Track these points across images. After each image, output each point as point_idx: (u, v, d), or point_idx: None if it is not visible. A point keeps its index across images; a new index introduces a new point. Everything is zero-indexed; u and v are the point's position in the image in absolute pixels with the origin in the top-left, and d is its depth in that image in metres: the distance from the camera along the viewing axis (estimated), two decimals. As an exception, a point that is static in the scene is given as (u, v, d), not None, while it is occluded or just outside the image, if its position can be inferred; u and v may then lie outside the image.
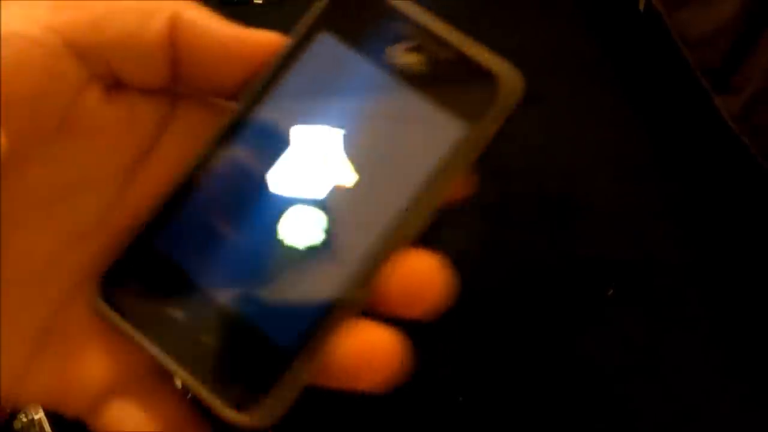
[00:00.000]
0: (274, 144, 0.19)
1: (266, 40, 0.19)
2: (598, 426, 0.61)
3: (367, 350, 0.17)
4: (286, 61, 0.19)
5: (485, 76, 0.18)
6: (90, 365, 0.19)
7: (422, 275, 0.17)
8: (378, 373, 0.17)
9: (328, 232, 0.18)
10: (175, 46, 0.18)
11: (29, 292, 0.18)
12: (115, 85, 0.19)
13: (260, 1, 1.51)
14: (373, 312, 0.18)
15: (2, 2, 0.17)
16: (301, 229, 0.18)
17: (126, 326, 0.19)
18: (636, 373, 0.64)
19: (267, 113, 0.19)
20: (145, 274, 0.19)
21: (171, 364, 0.18)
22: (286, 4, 1.43)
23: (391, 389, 0.18)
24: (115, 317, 0.19)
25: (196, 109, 0.20)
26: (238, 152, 0.19)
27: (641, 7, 0.86)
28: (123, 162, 0.19)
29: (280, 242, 0.18)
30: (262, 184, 0.18)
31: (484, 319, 0.69)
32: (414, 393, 0.69)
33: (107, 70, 0.18)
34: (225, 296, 0.18)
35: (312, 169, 0.18)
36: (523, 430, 0.62)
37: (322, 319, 0.17)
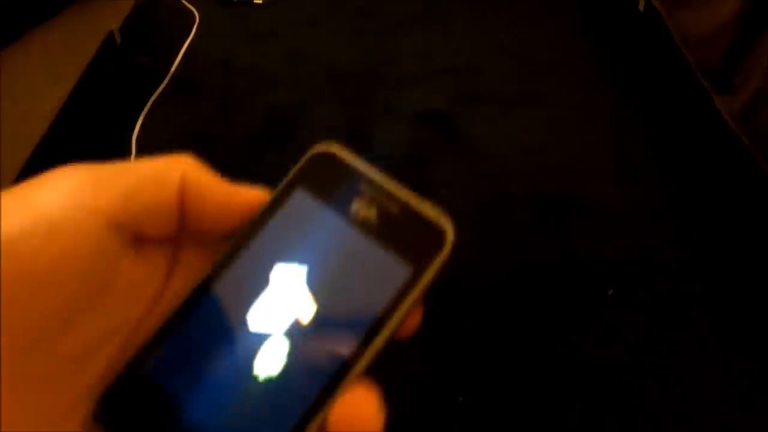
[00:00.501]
0: (248, 285, 0.22)
1: (255, 194, 0.22)
2: (598, 424, 0.61)
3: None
4: (267, 212, 0.23)
5: (431, 227, 0.21)
6: None
7: (362, 418, 0.20)
8: None
9: (290, 365, 0.21)
10: (183, 202, 0.22)
11: None
12: (137, 240, 0.22)
13: (260, 1, 1.51)
14: None
15: (51, 187, 0.20)
16: (266, 363, 0.21)
17: None
18: (635, 372, 0.64)
19: (246, 258, 0.22)
20: (136, 397, 0.21)
21: None
22: (285, 3, 1.43)
23: None
24: None
25: (198, 254, 0.23)
26: (218, 291, 0.22)
27: (641, 7, 0.86)
28: (136, 316, 0.22)
29: (247, 375, 0.21)
30: (236, 321, 0.21)
31: (484, 319, 0.69)
32: (414, 393, 0.69)
33: (136, 235, 0.21)
34: (202, 423, 0.20)
35: (280, 307, 0.21)
36: (522, 429, 0.62)
37: None
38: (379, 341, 0.20)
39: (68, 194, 0.20)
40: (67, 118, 0.92)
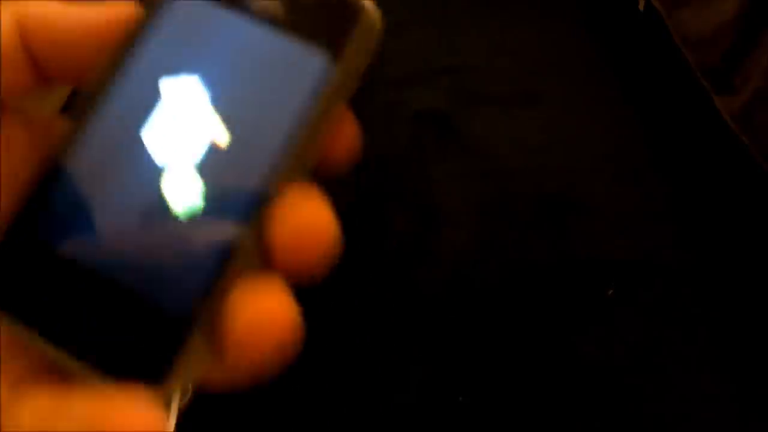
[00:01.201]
0: (141, 106, 0.18)
1: (118, 12, 0.19)
2: (598, 426, 0.61)
3: (259, 319, 0.16)
4: (145, 19, 0.19)
5: (344, 6, 0.18)
6: None
7: (307, 220, 0.17)
8: (270, 345, 0.16)
9: (205, 190, 0.18)
10: (28, 43, 0.18)
11: None
12: None
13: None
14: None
15: None
16: (172, 189, 0.18)
17: (9, 319, 0.18)
18: (636, 373, 0.64)
19: (129, 75, 0.19)
20: (20, 262, 0.18)
21: (60, 354, 0.17)
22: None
23: (281, 370, 0.17)
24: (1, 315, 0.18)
25: (14, 123, 0.20)
26: (105, 118, 0.19)
27: (641, 6, 0.86)
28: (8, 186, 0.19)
29: (150, 205, 0.18)
30: (127, 148, 0.18)
31: (485, 319, 0.69)
32: (414, 393, 0.69)
33: None
34: (104, 271, 0.18)
35: (182, 128, 0.18)
36: (523, 430, 0.62)
37: (211, 282, 0.17)
38: (302, 143, 0.17)
39: None
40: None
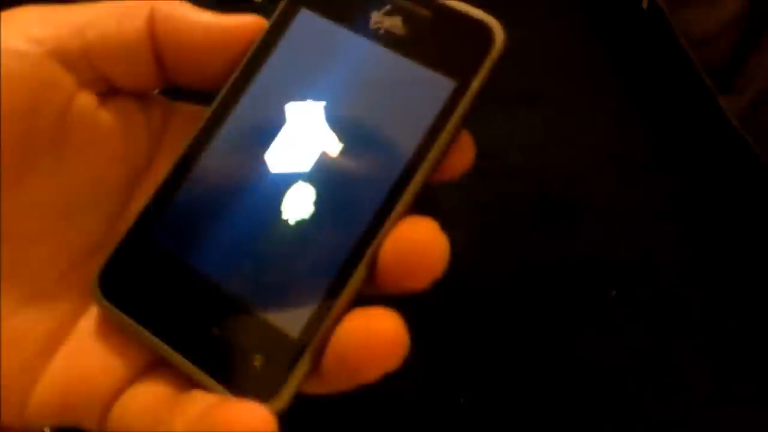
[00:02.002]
0: (262, 125, 0.19)
1: (246, 23, 0.19)
2: (600, 427, 0.61)
3: (369, 338, 0.17)
4: (268, 41, 0.19)
5: (472, 26, 0.18)
6: (100, 369, 0.19)
7: (420, 243, 0.17)
8: (380, 363, 0.17)
9: (322, 207, 0.18)
10: (156, 42, 0.19)
11: (38, 311, 0.18)
12: (109, 92, 0.19)
13: (260, 0, 1.51)
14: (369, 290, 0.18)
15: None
16: (294, 207, 0.18)
17: (127, 321, 0.18)
18: (638, 374, 0.64)
19: (252, 96, 0.19)
20: (143, 266, 0.19)
21: (176, 358, 0.18)
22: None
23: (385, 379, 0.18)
24: (115, 312, 0.18)
25: (191, 114, 0.21)
26: (227, 136, 0.19)
27: (644, 5, 0.86)
28: (124, 173, 0.20)
29: (272, 223, 0.18)
30: (251, 165, 0.18)
31: (485, 319, 0.69)
32: (415, 394, 0.69)
33: (96, 75, 0.19)
34: (225, 284, 0.18)
35: (302, 146, 0.18)
36: (524, 430, 0.61)
37: (328, 301, 0.17)
38: (424, 169, 0.18)
39: (11, 26, 0.17)
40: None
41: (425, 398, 0.63)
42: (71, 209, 0.19)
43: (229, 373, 0.17)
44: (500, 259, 0.75)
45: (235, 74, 0.19)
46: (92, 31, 0.18)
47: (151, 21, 0.19)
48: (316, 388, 0.18)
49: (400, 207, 0.18)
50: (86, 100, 0.19)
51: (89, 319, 0.19)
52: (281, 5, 0.20)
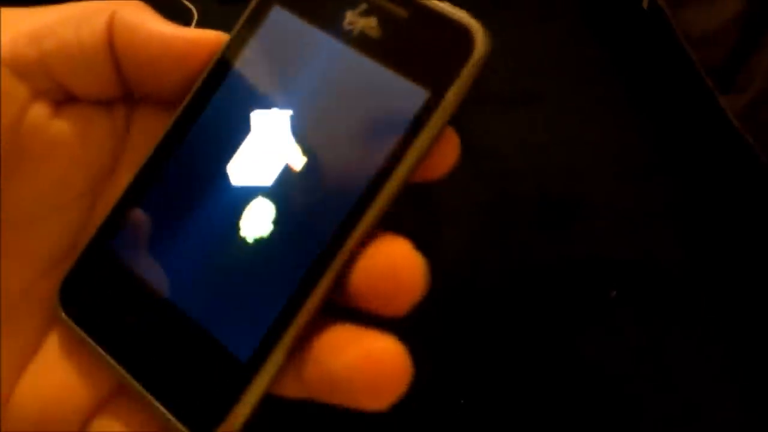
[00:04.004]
0: (225, 134, 0.17)
1: (206, 38, 0.18)
2: (601, 427, 0.61)
3: (370, 364, 0.16)
4: (238, 40, 0.18)
5: (451, 30, 0.16)
6: (71, 391, 0.18)
7: (394, 268, 0.16)
8: (383, 390, 0.16)
9: (281, 225, 0.17)
10: (114, 50, 0.18)
11: (6, 327, 0.18)
12: (66, 100, 0.18)
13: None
14: (350, 312, 0.17)
15: None
16: (252, 224, 0.17)
17: (86, 338, 0.18)
18: (638, 374, 0.64)
19: (218, 101, 0.18)
20: (101, 282, 0.18)
21: (128, 380, 0.17)
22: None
23: (391, 406, 0.17)
24: (75, 329, 0.18)
25: (154, 119, 0.20)
26: (189, 145, 0.18)
27: (645, 5, 0.86)
28: (86, 180, 0.19)
29: (229, 240, 0.17)
30: (212, 177, 0.17)
31: (485, 319, 0.69)
32: (415, 395, 0.69)
33: (53, 84, 0.18)
34: (178, 302, 0.17)
35: (265, 158, 0.17)
36: (524, 430, 0.61)
37: (281, 325, 0.16)
38: (390, 187, 0.16)
39: None
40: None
41: (425, 399, 0.63)
42: (32, 219, 0.18)
43: (177, 396, 0.16)
44: (500, 259, 0.75)
45: (203, 76, 0.18)
46: (50, 40, 0.17)
47: (111, 28, 0.18)
48: (298, 392, 0.18)
49: (362, 226, 0.16)
50: (41, 110, 0.18)
51: (57, 334, 0.18)
52: (254, 1, 0.18)
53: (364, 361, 0.16)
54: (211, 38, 0.18)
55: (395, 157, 0.16)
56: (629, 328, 0.67)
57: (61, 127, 0.18)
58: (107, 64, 0.18)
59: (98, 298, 0.18)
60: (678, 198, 0.78)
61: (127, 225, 0.18)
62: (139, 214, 0.18)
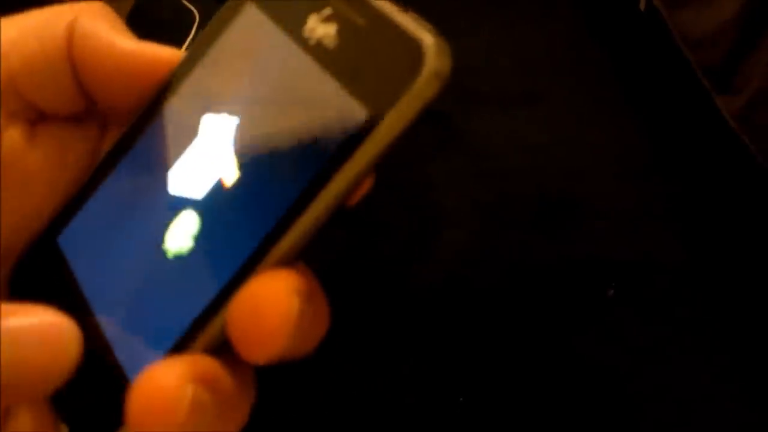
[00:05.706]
0: (172, 139, 0.17)
1: (163, 56, 0.18)
2: (599, 425, 0.61)
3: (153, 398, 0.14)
4: (207, 37, 0.17)
5: (404, 47, 0.14)
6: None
7: (256, 307, 0.14)
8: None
9: (199, 244, 0.15)
10: (72, 59, 0.17)
11: None
12: (38, 119, 0.18)
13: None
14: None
15: None
16: (173, 239, 0.16)
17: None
18: (636, 372, 0.64)
19: (174, 104, 0.17)
20: (43, 276, 0.18)
21: None
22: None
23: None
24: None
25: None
26: (137, 152, 0.17)
27: (642, 7, 0.86)
28: (65, 196, 0.19)
29: (147, 254, 0.16)
30: (153, 185, 0.16)
31: (485, 319, 0.69)
32: (415, 393, 0.69)
33: (22, 103, 0.17)
34: (96, 310, 0.16)
35: (201, 170, 0.16)
36: (523, 430, 0.61)
37: (173, 354, 0.15)
38: (308, 218, 0.14)
39: None
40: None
41: (425, 397, 0.64)
42: (9, 252, 0.18)
43: (74, 407, 0.16)
44: (500, 258, 0.75)
45: (163, 78, 0.17)
46: (15, 56, 0.17)
47: (70, 36, 0.17)
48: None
49: (272, 257, 0.15)
50: (15, 135, 0.17)
51: None
52: None
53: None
54: (165, 57, 0.18)
55: (319, 182, 0.14)
56: (627, 327, 0.67)
57: (37, 154, 0.18)
58: (68, 75, 0.17)
59: (39, 285, 0.17)
60: (675, 198, 0.79)
61: (71, 224, 0.18)
62: (83, 215, 0.18)
